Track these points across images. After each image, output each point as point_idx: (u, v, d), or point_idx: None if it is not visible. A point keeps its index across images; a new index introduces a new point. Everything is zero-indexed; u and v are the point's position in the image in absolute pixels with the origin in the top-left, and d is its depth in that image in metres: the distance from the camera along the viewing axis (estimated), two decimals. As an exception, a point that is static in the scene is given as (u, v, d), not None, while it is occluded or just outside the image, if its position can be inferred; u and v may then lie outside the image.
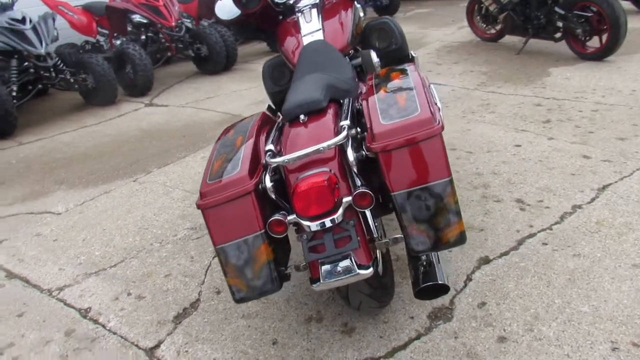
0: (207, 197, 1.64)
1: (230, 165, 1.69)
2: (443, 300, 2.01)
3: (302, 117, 1.71)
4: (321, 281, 1.53)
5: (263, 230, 1.57)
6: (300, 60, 2.42)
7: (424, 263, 1.67)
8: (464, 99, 4.31)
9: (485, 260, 2.22)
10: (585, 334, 1.76)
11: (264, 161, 1.65)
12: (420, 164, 1.51)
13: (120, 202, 3.21)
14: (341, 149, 1.61)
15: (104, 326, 2.10)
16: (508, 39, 5.74)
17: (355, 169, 1.55)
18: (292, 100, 1.75)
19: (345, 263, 1.51)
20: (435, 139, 1.51)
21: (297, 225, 1.59)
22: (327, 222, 1.51)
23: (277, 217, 1.54)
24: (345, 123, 1.62)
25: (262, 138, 1.81)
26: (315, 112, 1.73)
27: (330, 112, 1.74)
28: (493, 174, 2.96)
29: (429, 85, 1.94)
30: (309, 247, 1.54)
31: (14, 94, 5.04)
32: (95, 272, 2.49)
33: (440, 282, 1.58)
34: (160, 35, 6.28)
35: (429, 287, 1.59)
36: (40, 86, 5.29)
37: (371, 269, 1.52)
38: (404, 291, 2.08)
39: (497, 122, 3.71)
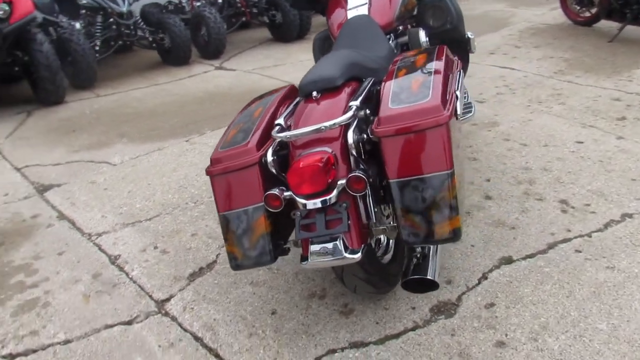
0: (215, 164, 1.68)
1: (242, 135, 1.72)
2: (450, 295, 1.94)
3: (314, 93, 1.68)
4: (309, 260, 1.53)
5: (263, 203, 1.59)
6: (339, 34, 2.38)
7: (418, 255, 1.61)
8: (535, 86, 4.02)
9: (507, 260, 2.10)
10: (594, 352, 1.64)
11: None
12: (421, 153, 1.45)
13: (169, 160, 3.37)
14: (347, 129, 1.58)
15: (127, 274, 2.26)
16: (603, 24, 5.24)
17: (354, 152, 1.51)
18: (308, 76, 1.73)
19: (333, 245, 1.50)
20: (439, 129, 1.43)
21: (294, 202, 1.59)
22: (319, 202, 1.50)
23: (273, 191, 1.55)
24: (354, 103, 1.59)
25: (281, 111, 1.81)
26: (329, 90, 1.69)
27: (346, 91, 1.70)
28: (543, 170, 2.77)
29: (458, 71, 1.83)
30: (301, 225, 1.54)
31: (97, 48, 5.39)
32: (131, 223, 2.66)
33: (428, 277, 1.52)
34: (237, 0, 6.39)
35: (417, 280, 1.54)
36: (120, 42, 5.60)
37: (359, 254, 1.50)
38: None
39: (563, 115, 3.44)
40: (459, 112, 1.61)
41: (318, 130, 1.52)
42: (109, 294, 2.14)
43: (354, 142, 1.51)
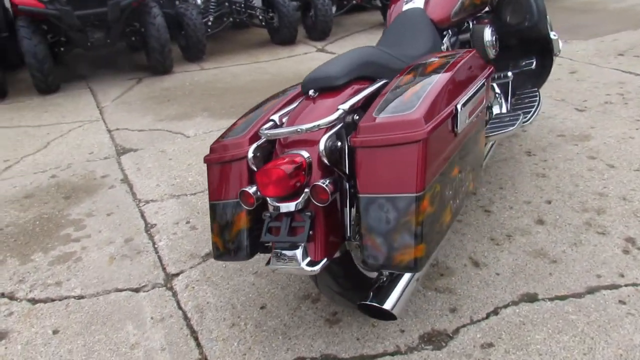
0: (212, 153, 1.70)
1: (242, 127, 1.70)
2: (448, 325, 1.76)
3: (311, 92, 1.60)
4: (270, 263, 1.48)
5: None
6: (387, 29, 2.24)
7: (385, 279, 1.47)
8: (654, 98, 3.44)
9: (531, 298, 1.85)
10: None
11: None
12: (392, 169, 1.31)
13: (235, 138, 3.48)
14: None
15: (153, 244, 2.39)
16: None
17: (325, 159, 1.41)
18: (311, 73, 1.65)
19: (293, 253, 1.43)
20: (414, 145, 1.28)
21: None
22: (284, 207, 1.43)
23: (247, 189, 1.52)
24: (342, 107, 1.48)
25: (283, 107, 1.76)
26: (328, 89, 1.60)
27: (347, 92, 1.59)
28: (620, 199, 2.37)
29: (482, 81, 1.61)
30: (268, 227, 1.49)
31: (210, 23, 5.71)
32: (177, 195, 2.80)
33: (384, 307, 1.38)
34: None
35: (373, 306, 1.41)
36: (231, 19, 5.86)
37: (317, 267, 1.41)
38: (414, 301, 1.88)
39: (675, 137, 2.90)
40: (458, 128, 1.43)
41: (295, 132, 1.45)
42: (131, 259, 2.29)
43: (325, 148, 1.40)
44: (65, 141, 3.73)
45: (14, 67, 5.51)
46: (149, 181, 3.00)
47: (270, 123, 1.61)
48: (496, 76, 2.28)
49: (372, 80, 1.69)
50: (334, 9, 6.26)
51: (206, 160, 1.70)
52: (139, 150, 3.47)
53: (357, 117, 1.52)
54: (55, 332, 1.90)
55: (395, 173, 1.30)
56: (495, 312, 1.80)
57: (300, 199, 1.42)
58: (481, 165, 1.77)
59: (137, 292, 2.08)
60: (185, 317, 1.92)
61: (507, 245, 2.14)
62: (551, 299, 1.84)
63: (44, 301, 2.07)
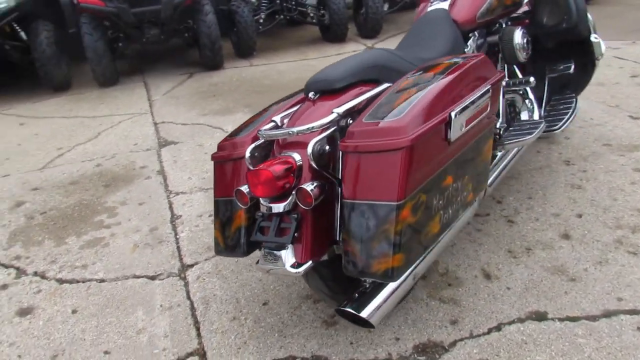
0: (219, 150, 1.75)
1: (249, 127, 1.74)
2: (446, 337, 1.71)
3: (311, 94, 1.61)
4: (258, 262, 1.50)
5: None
6: (409, 31, 2.20)
7: (368, 285, 1.45)
8: None
9: (540, 317, 1.76)
10: None
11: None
12: (375, 176, 1.29)
13: (270, 135, 3.54)
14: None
15: (175, 234, 2.49)
16: None
17: (313, 163, 1.41)
18: (314, 75, 1.65)
19: (279, 253, 1.44)
20: (396, 153, 1.26)
21: None
22: (273, 208, 1.45)
23: (241, 187, 1.55)
24: (337, 110, 1.48)
25: (288, 109, 1.77)
26: (328, 92, 1.60)
27: (348, 96, 1.58)
28: (660, 217, 2.20)
29: (487, 89, 1.54)
30: (259, 226, 1.51)
31: (261, 20, 5.82)
32: (206, 189, 2.90)
33: (361, 315, 1.37)
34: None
35: (350, 312, 1.40)
36: (282, 17, 5.94)
37: (301, 270, 1.42)
38: (415, 309, 1.84)
39: None
40: (452, 136, 1.38)
41: (287, 134, 1.46)
42: (152, 248, 2.39)
43: (313, 152, 1.40)
44: (114, 132, 3.95)
45: (80, 60, 5.87)
46: (182, 174, 3.12)
47: (272, 124, 1.63)
48: (517, 81, 2.18)
49: (378, 83, 1.67)
50: (385, 6, 6.19)
51: (213, 157, 1.75)
52: (179, 143, 3.60)
53: (351, 121, 1.51)
54: (74, 311, 2.02)
55: (378, 180, 1.29)
56: (498, 328, 1.73)
57: (288, 200, 1.44)
58: (485, 175, 1.70)
59: (152, 279, 2.18)
60: (192, 307, 1.98)
61: (524, 259, 2.05)
62: (561, 319, 1.74)
63: (70, 282, 2.21)
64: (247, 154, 1.58)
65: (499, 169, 2.01)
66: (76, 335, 1.90)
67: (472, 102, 1.46)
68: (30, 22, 4.86)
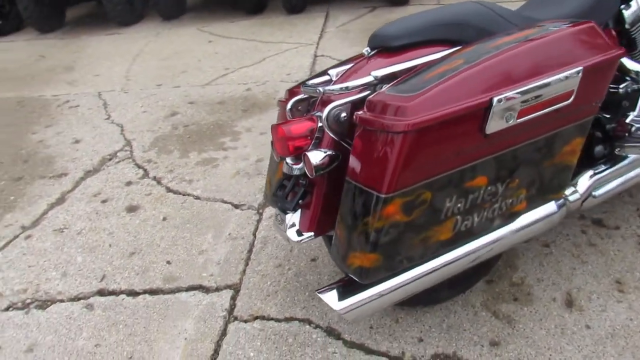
0: (285, 96, 1.69)
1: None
2: (474, 357, 1.46)
3: (366, 49, 1.41)
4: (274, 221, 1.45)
5: None
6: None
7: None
8: None
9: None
10: None
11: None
12: (374, 157, 1.10)
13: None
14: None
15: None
16: None
17: (327, 129, 1.26)
18: (377, 29, 1.44)
19: (284, 217, 1.37)
20: (394, 137, 1.04)
21: None
22: (293, 169, 1.36)
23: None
24: (375, 73, 1.27)
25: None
26: (386, 50, 1.38)
27: (404, 56, 1.34)
28: None
29: (571, 71, 1.14)
30: (281, 184, 1.44)
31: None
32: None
33: (336, 308, 1.21)
34: None
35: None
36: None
37: (300, 239, 1.32)
38: (458, 314, 1.60)
39: None
40: (488, 128, 1.08)
41: (315, 92, 1.33)
42: (249, 178, 2.50)
43: (328, 117, 1.24)
44: (277, 60, 4.12)
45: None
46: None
47: (326, 77, 1.50)
48: None
49: (457, 45, 1.38)
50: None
51: (278, 102, 1.70)
52: (326, 79, 3.59)
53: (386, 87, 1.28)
54: (164, 219, 2.27)
55: (374, 163, 1.10)
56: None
57: (301, 164, 1.33)
58: (561, 182, 1.31)
59: (235, 208, 2.29)
60: (252, 244, 2.05)
61: (632, 297, 1.59)
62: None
63: (174, 192, 2.47)
64: (289, 106, 1.49)
65: (623, 177, 1.52)
66: (155, 241, 2.14)
67: (540, 87, 1.10)
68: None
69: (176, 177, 2.59)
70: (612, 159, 1.52)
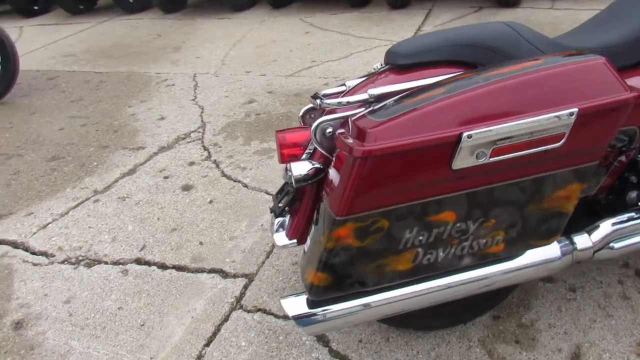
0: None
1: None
2: (452, 393, 1.41)
3: (377, 65, 1.40)
4: (271, 221, 1.51)
5: None
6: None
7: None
8: None
9: None
10: None
11: None
12: (338, 179, 1.10)
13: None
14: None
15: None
16: None
17: (314, 142, 1.27)
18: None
19: (277, 220, 1.41)
20: (353, 161, 1.04)
21: None
22: (283, 174, 1.40)
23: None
24: (372, 92, 1.26)
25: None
26: (395, 67, 1.35)
27: (410, 76, 1.31)
28: None
29: (563, 112, 1.03)
30: (281, 187, 1.49)
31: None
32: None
33: (291, 316, 1.22)
34: None
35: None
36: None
37: (284, 244, 1.36)
38: (450, 345, 1.54)
39: None
40: (454, 163, 1.03)
41: (316, 104, 1.35)
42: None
43: (315, 130, 1.26)
44: (363, 56, 4.11)
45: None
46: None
47: (342, 88, 1.51)
48: None
49: (471, 67, 1.32)
50: None
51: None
52: (404, 80, 3.53)
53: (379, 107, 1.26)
54: (210, 201, 2.43)
55: (338, 183, 1.10)
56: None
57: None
58: (553, 229, 1.19)
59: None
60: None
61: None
62: None
63: (227, 177, 2.62)
64: (300, 114, 1.52)
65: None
66: (196, 221, 2.30)
67: (521, 127, 1.01)
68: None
69: (233, 163, 2.74)
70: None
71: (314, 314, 1.21)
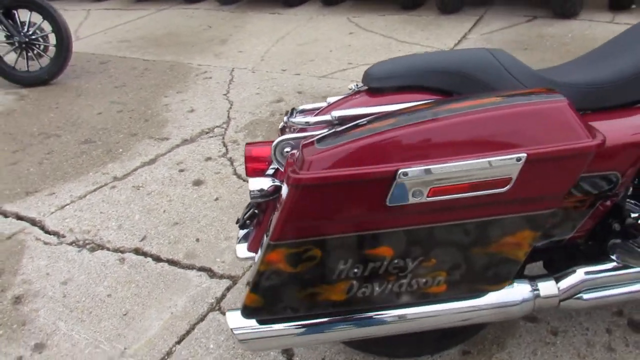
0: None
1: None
2: None
3: (351, 85, 1.38)
4: (240, 233, 1.52)
5: None
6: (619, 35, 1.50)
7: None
8: None
9: None
10: None
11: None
12: (280, 203, 1.10)
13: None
14: None
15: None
16: None
17: (276, 163, 1.26)
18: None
19: (241, 232, 1.42)
20: (288, 188, 1.03)
21: None
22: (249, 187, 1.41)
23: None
24: (335, 114, 1.24)
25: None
26: (370, 89, 1.32)
27: (381, 100, 1.28)
28: None
29: (511, 156, 0.97)
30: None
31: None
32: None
33: (232, 328, 1.22)
34: None
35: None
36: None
37: (245, 256, 1.37)
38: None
39: None
40: (389, 200, 1.00)
41: (284, 122, 1.35)
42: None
43: (275, 148, 1.25)
44: (400, 61, 4.03)
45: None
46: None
47: (322, 104, 1.50)
48: None
49: (447, 94, 1.27)
50: None
51: None
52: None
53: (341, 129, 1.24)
54: (216, 199, 2.49)
55: (279, 207, 1.09)
56: None
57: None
58: (502, 274, 1.12)
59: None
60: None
61: None
62: None
63: (237, 176, 2.66)
64: (279, 126, 1.53)
65: (628, 288, 1.24)
66: (198, 217, 2.36)
67: (460, 168, 0.96)
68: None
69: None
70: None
71: (252, 331, 1.21)
